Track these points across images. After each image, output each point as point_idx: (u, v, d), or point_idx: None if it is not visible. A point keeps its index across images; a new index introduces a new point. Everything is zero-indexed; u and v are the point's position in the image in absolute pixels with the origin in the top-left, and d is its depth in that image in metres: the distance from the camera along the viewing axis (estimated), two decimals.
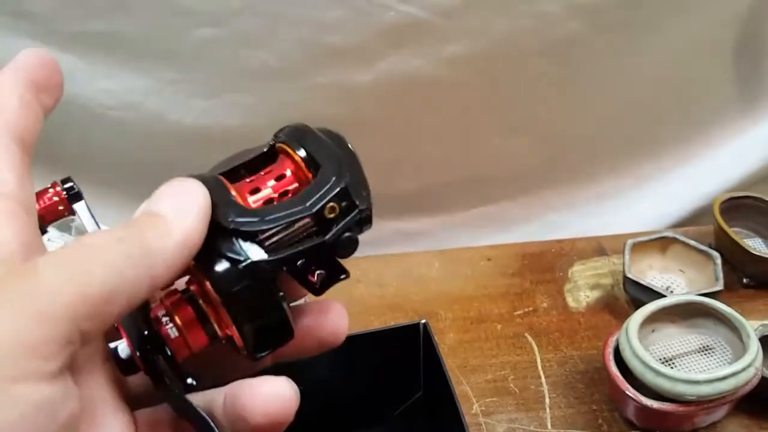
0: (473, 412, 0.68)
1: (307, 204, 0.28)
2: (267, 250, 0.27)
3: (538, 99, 0.89)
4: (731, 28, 0.89)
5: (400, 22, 0.78)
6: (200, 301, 0.28)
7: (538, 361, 0.73)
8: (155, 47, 0.77)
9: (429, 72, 0.82)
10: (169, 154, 0.81)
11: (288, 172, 0.30)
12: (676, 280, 0.80)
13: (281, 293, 0.28)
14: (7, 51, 0.77)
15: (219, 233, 0.27)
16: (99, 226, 0.29)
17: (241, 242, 0.27)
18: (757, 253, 0.78)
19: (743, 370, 0.60)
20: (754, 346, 0.62)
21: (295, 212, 0.28)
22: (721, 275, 0.75)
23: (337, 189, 0.29)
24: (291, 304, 0.30)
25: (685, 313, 0.69)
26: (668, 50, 0.87)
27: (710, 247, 0.79)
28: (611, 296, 0.81)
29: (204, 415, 0.27)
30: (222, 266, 0.27)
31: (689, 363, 0.67)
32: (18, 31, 0.75)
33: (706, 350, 0.68)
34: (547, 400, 0.69)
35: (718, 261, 0.76)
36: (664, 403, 0.62)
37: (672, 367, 0.65)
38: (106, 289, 0.22)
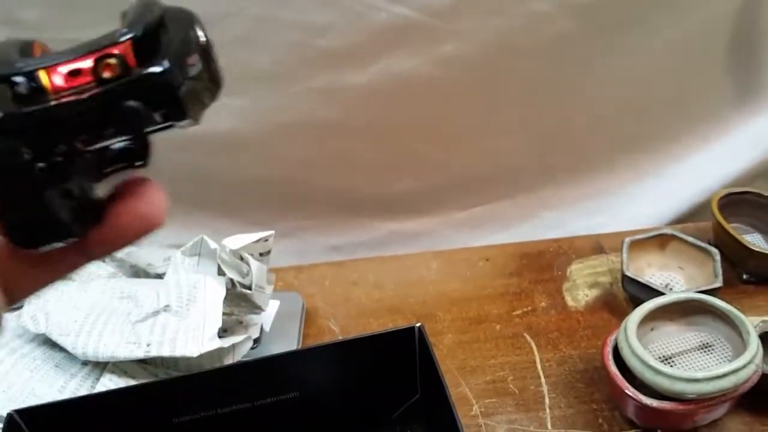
0: (473, 413, 0.68)
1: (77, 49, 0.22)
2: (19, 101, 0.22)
3: (532, 98, 0.89)
4: (724, 23, 0.89)
5: (392, 23, 0.77)
6: None
7: (538, 361, 0.73)
8: None
9: (422, 73, 0.82)
10: (157, 157, 0.80)
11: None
12: (675, 278, 0.80)
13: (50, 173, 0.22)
14: None
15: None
16: None
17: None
18: (757, 249, 0.77)
19: (743, 367, 0.59)
20: (754, 343, 0.61)
21: (59, 56, 0.22)
22: (720, 272, 0.75)
23: (124, 37, 0.22)
24: None
25: (684, 311, 0.68)
26: (661, 47, 0.87)
27: (709, 244, 0.78)
28: (610, 294, 0.80)
29: None
30: None
31: (689, 361, 0.66)
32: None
33: (706, 348, 0.67)
34: (547, 401, 0.69)
35: (717, 257, 0.76)
36: (664, 401, 0.61)
37: (671, 366, 0.64)
38: None
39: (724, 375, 0.60)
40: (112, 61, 0.22)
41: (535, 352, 0.74)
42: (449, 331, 0.77)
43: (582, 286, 0.82)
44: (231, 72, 0.88)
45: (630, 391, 0.62)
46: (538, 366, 0.73)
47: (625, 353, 0.63)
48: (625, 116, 0.92)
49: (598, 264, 0.84)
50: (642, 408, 0.62)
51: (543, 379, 0.71)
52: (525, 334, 0.76)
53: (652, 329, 0.68)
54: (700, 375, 0.60)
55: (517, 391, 0.70)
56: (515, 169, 0.95)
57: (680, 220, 0.96)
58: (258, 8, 0.75)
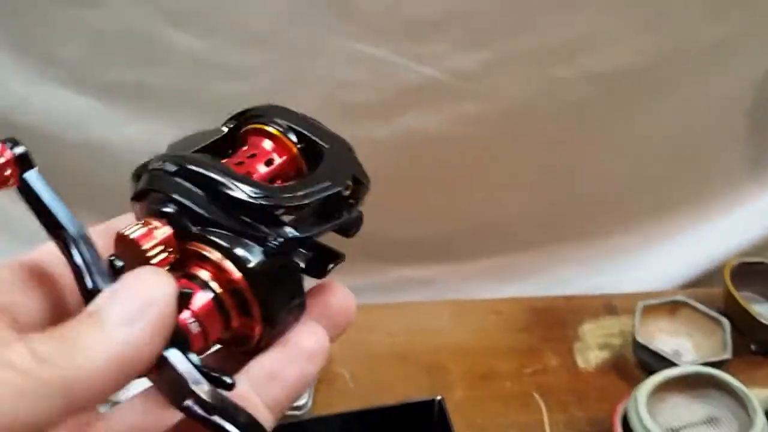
0: None
1: (332, 182, 0.27)
2: (293, 226, 0.26)
3: (547, 158, 0.90)
4: (743, 92, 0.90)
5: (420, 82, 0.79)
6: (216, 289, 0.25)
7: (546, 422, 0.74)
8: (178, 98, 0.79)
9: (444, 129, 0.84)
10: None
11: (275, 156, 0.28)
12: (684, 345, 0.80)
13: (300, 267, 0.26)
14: (37, 96, 0.78)
15: (238, 209, 0.25)
16: (59, 201, 0.24)
17: (267, 219, 0.25)
18: (766, 322, 0.78)
19: None
20: (760, 422, 0.62)
21: (320, 189, 0.27)
22: (729, 343, 0.75)
23: (354, 167, 0.28)
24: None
25: (693, 383, 0.69)
26: (681, 113, 0.88)
27: (719, 312, 0.79)
28: (621, 357, 0.81)
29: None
30: (251, 249, 0.25)
31: None
32: (48, 77, 0.76)
33: (713, 421, 0.68)
34: None
35: (728, 329, 0.77)
36: None
37: None
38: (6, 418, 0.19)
39: None
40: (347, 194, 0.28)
41: (544, 413, 0.75)
42: (459, 386, 0.78)
43: (593, 347, 0.82)
44: None
45: None
46: (547, 428, 0.73)
47: (634, 424, 0.64)
48: (642, 179, 0.93)
49: (610, 325, 0.85)
50: None
51: None
52: (534, 394, 0.77)
53: (660, 400, 0.68)
54: None
55: None
56: (529, 223, 0.96)
57: (692, 284, 0.96)
58: (291, 62, 0.76)
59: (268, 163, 0.28)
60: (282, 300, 0.26)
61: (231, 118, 0.30)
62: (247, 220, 0.25)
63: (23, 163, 0.24)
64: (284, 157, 0.28)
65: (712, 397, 0.68)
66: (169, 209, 0.25)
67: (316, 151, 0.29)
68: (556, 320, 0.86)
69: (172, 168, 0.26)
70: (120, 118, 0.78)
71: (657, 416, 0.66)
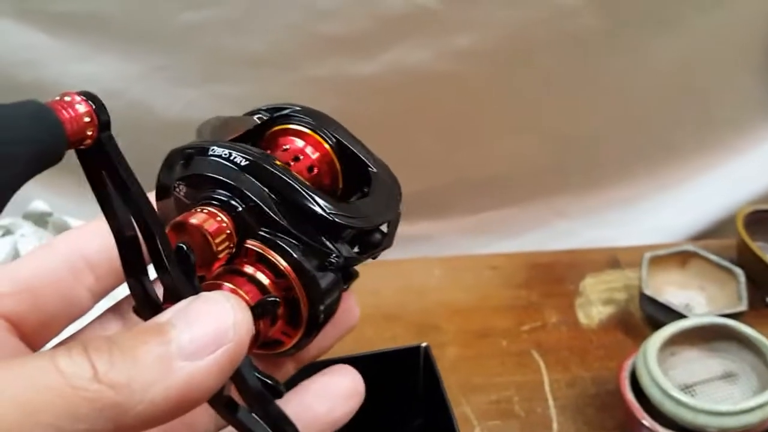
0: None
1: (390, 209, 0.28)
2: (352, 245, 0.27)
3: (548, 97, 0.84)
4: (759, 26, 0.83)
5: (405, 10, 0.72)
6: (271, 291, 0.25)
7: (546, 381, 0.68)
8: (141, 30, 0.72)
9: (433, 66, 0.77)
10: (153, 147, 0.76)
11: (317, 165, 0.29)
12: (695, 298, 0.75)
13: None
14: None
15: (308, 219, 0.25)
16: (132, 176, 0.22)
17: (333, 235, 0.26)
18: None
19: None
20: None
21: (383, 215, 0.28)
22: (745, 294, 0.70)
23: (400, 197, 0.29)
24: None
25: (706, 336, 0.63)
26: (691, 49, 0.82)
27: (732, 263, 0.74)
28: (625, 313, 0.75)
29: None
30: (313, 261, 0.25)
31: (711, 391, 0.62)
32: None
33: (730, 377, 0.63)
34: (555, 426, 0.64)
35: (742, 279, 0.71)
36: None
37: (693, 395, 0.60)
38: None
39: (750, 409, 0.55)
40: None
41: (544, 372, 0.69)
42: (452, 344, 0.72)
43: (596, 302, 0.77)
44: (222, 57, 0.83)
45: (647, 421, 0.57)
46: (546, 387, 0.68)
47: (644, 381, 0.58)
48: (648, 121, 0.87)
49: (613, 279, 0.79)
50: None
51: (551, 402, 0.66)
52: (533, 352, 0.71)
53: (672, 354, 0.63)
54: (724, 408, 0.56)
55: (523, 414, 0.65)
56: (527, 173, 0.90)
57: (701, 236, 0.91)
58: None
59: (310, 169, 0.28)
60: (327, 315, 0.26)
61: (260, 110, 0.30)
62: (314, 232, 0.25)
63: (103, 126, 0.21)
64: (324, 168, 0.29)
65: (729, 351, 0.63)
66: (236, 204, 0.25)
67: (360, 170, 0.29)
68: (555, 275, 0.80)
69: (242, 161, 0.25)
70: (74, 54, 0.71)
71: (669, 372, 0.61)
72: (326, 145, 0.29)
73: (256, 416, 0.23)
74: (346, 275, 0.28)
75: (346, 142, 0.29)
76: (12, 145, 0.19)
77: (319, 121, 0.29)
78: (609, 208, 0.93)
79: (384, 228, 0.29)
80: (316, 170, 0.28)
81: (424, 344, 0.47)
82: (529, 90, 0.83)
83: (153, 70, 0.74)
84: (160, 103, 0.77)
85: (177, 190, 0.26)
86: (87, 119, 0.21)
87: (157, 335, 0.20)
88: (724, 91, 0.87)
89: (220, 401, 0.23)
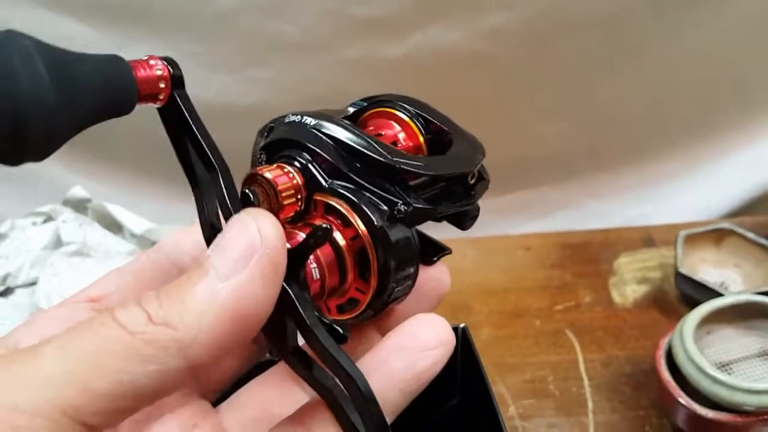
0: (509, 414, 0.64)
1: (463, 163, 0.28)
2: (422, 198, 0.26)
3: (583, 76, 0.83)
4: None
5: None
6: (340, 241, 0.25)
7: (580, 361, 0.68)
8: (175, 18, 0.73)
9: (465, 46, 0.77)
10: None
11: (401, 140, 0.29)
12: (731, 276, 0.74)
13: (418, 245, 0.27)
14: (22, 21, 0.73)
15: (375, 169, 0.25)
16: (203, 130, 0.24)
17: (398, 183, 0.26)
18: None
19: None
20: None
21: (451, 167, 0.27)
22: None
23: (480, 157, 0.29)
24: None
25: (743, 314, 0.63)
26: (729, 26, 0.80)
27: None
28: (660, 291, 0.75)
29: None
30: (380, 209, 0.25)
31: (748, 369, 0.61)
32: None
33: (767, 355, 0.62)
34: (590, 405, 0.64)
35: None
36: (720, 412, 0.56)
37: (729, 374, 0.59)
38: (123, 383, 0.19)
39: None
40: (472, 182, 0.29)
41: (578, 351, 0.69)
42: (486, 324, 0.73)
43: (630, 281, 0.76)
44: (255, 42, 0.84)
45: (684, 399, 0.57)
46: (581, 366, 0.68)
47: (681, 359, 0.58)
48: (683, 99, 0.86)
49: (647, 258, 0.79)
50: (695, 418, 0.57)
51: (586, 381, 0.66)
52: (567, 332, 0.71)
53: (708, 333, 0.62)
54: (762, 386, 0.55)
55: (557, 393, 0.65)
56: (560, 153, 0.89)
57: (736, 213, 0.89)
58: None
59: (393, 145, 0.28)
60: (398, 267, 0.26)
61: (357, 102, 0.31)
62: (380, 180, 0.25)
63: (177, 82, 0.24)
64: (409, 144, 0.29)
65: (766, 329, 0.62)
66: (302, 158, 0.26)
67: (444, 143, 0.29)
68: (589, 255, 0.80)
69: (311, 121, 0.26)
70: (108, 43, 0.72)
71: (705, 350, 0.61)
72: (408, 122, 0.29)
73: (325, 368, 0.24)
74: (435, 248, 0.29)
75: (431, 117, 0.29)
76: (87, 85, 0.21)
77: (406, 102, 0.30)
78: (642, 187, 0.92)
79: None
80: (399, 144, 0.29)
81: (462, 325, 0.47)
82: (563, 69, 0.82)
83: (186, 56, 0.75)
84: (194, 88, 0.77)
85: (260, 159, 0.28)
86: (161, 77, 0.23)
87: (198, 271, 0.21)
88: (761, 70, 0.85)
89: (287, 351, 0.24)
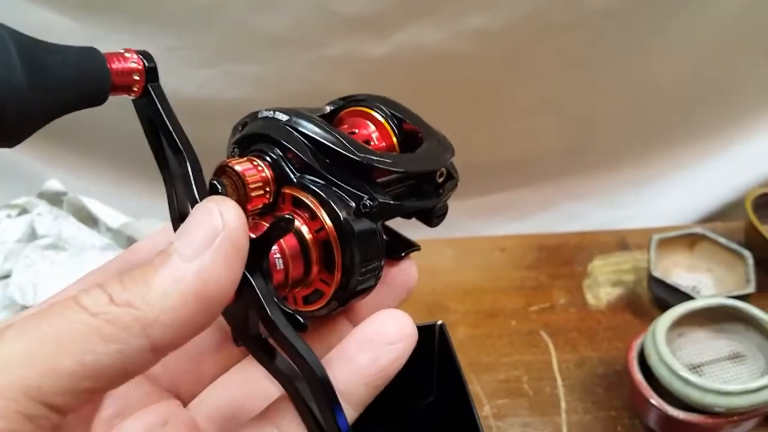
0: (484, 414, 0.64)
1: (431, 161, 0.28)
2: (389, 194, 0.27)
3: (563, 78, 0.83)
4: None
5: None
6: (305, 234, 0.26)
7: (554, 361, 0.69)
8: (155, 11, 0.72)
9: (448, 47, 0.77)
10: None
11: (375, 140, 0.30)
12: (703, 280, 0.75)
13: (384, 240, 0.27)
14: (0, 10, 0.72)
15: (344, 166, 0.26)
16: (174, 121, 0.25)
17: (366, 178, 0.26)
18: None
19: None
20: None
21: (418, 164, 0.28)
22: (753, 276, 0.70)
23: (449, 157, 0.29)
24: None
25: (714, 317, 0.64)
26: (710, 31, 0.81)
27: (740, 245, 0.74)
28: (633, 294, 0.76)
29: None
30: (347, 203, 0.26)
31: (718, 371, 0.62)
32: None
33: (737, 358, 0.63)
34: (563, 405, 0.65)
35: (750, 261, 0.72)
36: (691, 413, 0.57)
37: (700, 375, 0.60)
38: (85, 363, 0.19)
39: (758, 389, 0.56)
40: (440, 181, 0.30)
41: (552, 352, 0.70)
42: (461, 324, 0.73)
43: (604, 283, 0.77)
44: (237, 37, 0.83)
45: (655, 400, 0.58)
46: (555, 367, 0.68)
47: (653, 361, 0.59)
48: (662, 103, 0.87)
49: (621, 261, 0.80)
50: (666, 419, 0.58)
51: (559, 381, 0.67)
52: (542, 332, 0.72)
53: (680, 335, 0.63)
54: (732, 388, 0.56)
55: (531, 393, 0.66)
56: (538, 155, 0.90)
57: (709, 219, 0.91)
58: None
59: (366, 143, 0.29)
60: (362, 260, 0.26)
61: (334, 101, 0.31)
62: (348, 176, 0.26)
63: (151, 75, 0.25)
64: (382, 144, 0.30)
65: (737, 332, 0.64)
66: (273, 153, 0.27)
67: (415, 143, 0.30)
68: (564, 257, 0.81)
69: (283, 117, 0.27)
70: (88, 35, 0.72)
71: (677, 352, 0.62)
72: (383, 122, 0.30)
73: (286, 357, 0.24)
74: (405, 245, 0.30)
75: (404, 117, 0.30)
76: (59, 73, 0.22)
77: (380, 102, 0.30)
78: (618, 191, 0.93)
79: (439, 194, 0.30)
80: (371, 144, 0.30)
81: (439, 322, 0.48)
82: (543, 71, 0.82)
83: (167, 49, 0.74)
84: (174, 82, 0.77)
85: (233, 153, 0.28)
86: (135, 69, 0.24)
87: (161, 256, 0.21)
88: (742, 73, 0.86)
89: (248, 338, 0.25)
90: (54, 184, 0.73)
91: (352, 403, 0.25)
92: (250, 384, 0.28)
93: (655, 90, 0.86)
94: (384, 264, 0.27)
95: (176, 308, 0.20)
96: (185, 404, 0.28)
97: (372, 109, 0.30)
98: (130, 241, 0.70)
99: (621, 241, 0.82)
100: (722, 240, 0.74)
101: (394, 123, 0.30)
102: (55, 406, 0.19)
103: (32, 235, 0.67)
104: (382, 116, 0.30)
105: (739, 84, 0.87)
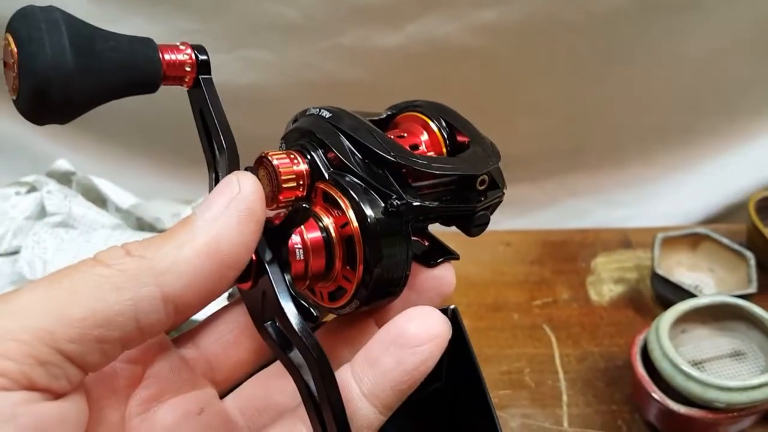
0: None
1: (470, 166, 0.28)
2: (423, 197, 0.27)
3: (570, 77, 0.84)
4: None
5: None
6: (331, 228, 0.26)
7: (556, 355, 0.69)
8: None
9: (458, 39, 0.77)
10: (178, 112, 0.76)
11: (423, 145, 0.30)
12: (705, 280, 0.76)
13: (410, 241, 0.27)
14: None
15: (378, 165, 0.26)
16: (219, 114, 0.26)
17: (397, 181, 0.26)
18: None
19: None
20: None
21: (457, 168, 0.27)
22: (755, 277, 0.71)
23: (492, 165, 0.29)
24: None
25: (717, 315, 0.64)
26: (717, 36, 0.82)
27: (742, 247, 0.75)
28: (636, 292, 0.76)
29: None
30: (374, 201, 0.26)
31: (720, 368, 0.63)
32: None
33: (738, 355, 0.64)
34: (565, 397, 0.65)
35: (752, 262, 0.72)
36: (692, 408, 0.58)
37: (702, 372, 0.61)
38: (97, 311, 0.20)
39: (759, 386, 0.56)
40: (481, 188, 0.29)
41: (554, 346, 0.70)
42: (465, 316, 0.72)
43: (607, 280, 0.78)
44: (255, 22, 0.83)
45: (657, 394, 0.59)
46: (557, 360, 0.69)
47: (656, 355, 0.59)
48: (667, 104, 0.87)
49: (624, 259, 0.80)
50: (667, 413, 0.59)
51: (561, 375, 0.67)
52: (544, 326, 0.72)
53: (683, 331, 0.64)
54: (733, 384, 0.57)
55: (533, 385, 0.66)
56: (544, 152, 0.90)
57: (713, 220, 0.91)
58: None
59: (413, 147, 0.29)
60: (384, 257, 0.26)
61: (394, 106, 0.32)
62: (381, 175, 0.26)
63: (202, 68, 0.26)
64: (431, 152, 0.30)
65: (738, 330, 0.64)
66: (312, 149, 0.27)
67: (463, 150, 0.30)
68: (568, 253, 0.82)
69: (327, 114, 0.28)
70: (103, 16, 0.72)
71: (679, 348, 0.62)
72: (435, 131, 0.30)
73: (298, 350, 0.24)
74: (443, 252, 0.30)
75: (456, 125, 0.30)
76: (107, 58, 0.23)
77: (437, 110, 0.31)
78: (623, 189, 0.93)
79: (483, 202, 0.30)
80: (419, 148, 0.30)
81: (452, 306, 0.48)
82: (551, 69, 0.83)
83: (181, 33, 0.74)
84: None
85: (281, 146, 0.29)
86: (186, 61, 0.25)
87: (183, 221, 0.23)
88: (747, 76, 0.86)
89: (263, 325, 0.25)
90: (63, 164, 0.73)
91: (378, 406, 0.25)
92: (284, 379, 0.27)
93: (661, 91, 0.87)
94: (410, 265, 0.27)
95: (188, 260, 0.21)
96: (220, 391, 0.28)
97: (426, 117, 0.30)
98: (139, 221, 0.70)
99: (624, 239, 0.83)
100: (725, 240, 0.75)
101: (446, 133, 0.30)
102: (66, 352, 0.20)
103: (42, 213, 0.67)
104: (437, 126, 0.30)
105: (745, 86, 0.88)
